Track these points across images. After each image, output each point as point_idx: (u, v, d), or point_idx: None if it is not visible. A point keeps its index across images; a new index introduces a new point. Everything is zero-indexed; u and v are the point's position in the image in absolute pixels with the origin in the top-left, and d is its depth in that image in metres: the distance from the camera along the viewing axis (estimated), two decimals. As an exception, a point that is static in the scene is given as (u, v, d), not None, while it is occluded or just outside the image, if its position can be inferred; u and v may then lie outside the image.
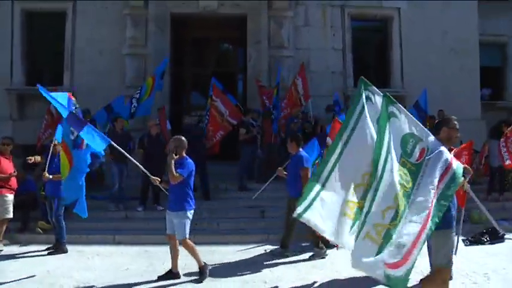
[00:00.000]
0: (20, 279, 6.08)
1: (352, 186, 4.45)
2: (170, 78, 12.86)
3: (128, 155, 6.42)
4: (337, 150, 4.56)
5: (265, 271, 6.46)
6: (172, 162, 5.86)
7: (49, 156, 7.29)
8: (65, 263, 6.86)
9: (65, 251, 7.49)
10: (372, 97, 4.89)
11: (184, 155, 6.08)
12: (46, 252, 7.44)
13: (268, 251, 7.57)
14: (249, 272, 6.43)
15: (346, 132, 4.61)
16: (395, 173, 4.30)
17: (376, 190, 4.27)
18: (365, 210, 4.28)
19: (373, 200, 4.27)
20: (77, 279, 6.09)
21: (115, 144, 6.35)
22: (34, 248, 7.72)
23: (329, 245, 7.69)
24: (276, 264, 6.81)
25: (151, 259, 7.07)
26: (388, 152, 4.38)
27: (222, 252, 7.52)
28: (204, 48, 14.94)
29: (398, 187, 4.24)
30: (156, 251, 7.51)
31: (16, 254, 7.42)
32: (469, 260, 6.93)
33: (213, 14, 12.71)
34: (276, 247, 7.58)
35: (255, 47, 12.70)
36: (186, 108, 14.29)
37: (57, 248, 7.48)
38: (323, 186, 4.48)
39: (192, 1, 12.51)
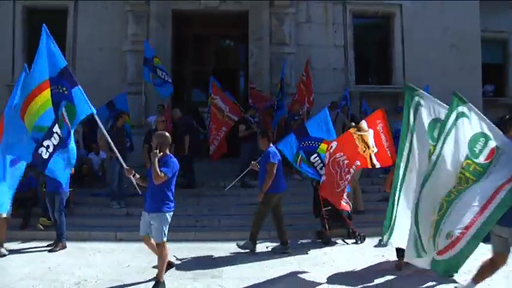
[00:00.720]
0: (21, 276, 6.07)
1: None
2: (171, 75, 12.82)
3: (113, 146, 5.90)
4: (403, 164, 5.13)
5: (266, 268, 6.44)
6: (156, 160, 5.40)
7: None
8: (66, 260, 6.85)
9: (64, 247, 7.49)
10: (422, 101, 5.25)
11: (168, 152, 5.69)
12: (47, 249, 7.43)
13: (269, 247, 7.54)
14: (250, 269, 6.41)
15: (408, 141, 5.20)
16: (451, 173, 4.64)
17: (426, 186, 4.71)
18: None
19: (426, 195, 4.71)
20: (78, 275, 6.08)
21: (97, 118, 5.81)
22: (35, 244, 7.71)
23: (329, 243, 7.71)
24: (277, 261, 6.77)
25: (152, 256, 7.01)
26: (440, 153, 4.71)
27: (223, 249, 7.49)
28: (206, 45, 14.91)
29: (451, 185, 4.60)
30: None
31: (17, 251, 7.41)
32: (471, 258, 6.86)
33: (214, 10, 12.70)
34: (277, 244, 7.57)
35: (256, 44, 12.67)
36: (186, 105, 14.27)
37: (57, 244, 7.47)
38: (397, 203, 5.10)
39: (194, -1, 12.49)
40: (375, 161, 7.08)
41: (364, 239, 7.86)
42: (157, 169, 5.34)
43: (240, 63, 14.81)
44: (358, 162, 7.03)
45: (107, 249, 7.46)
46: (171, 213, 5.63)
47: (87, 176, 10.25)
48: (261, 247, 7.56)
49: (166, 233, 5.57)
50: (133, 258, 6.98)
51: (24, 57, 12.54)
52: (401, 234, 5.17)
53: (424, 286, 5.71)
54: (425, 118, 5.15)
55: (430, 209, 4.69)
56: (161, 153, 5.50)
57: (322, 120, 7.77)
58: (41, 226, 8.27)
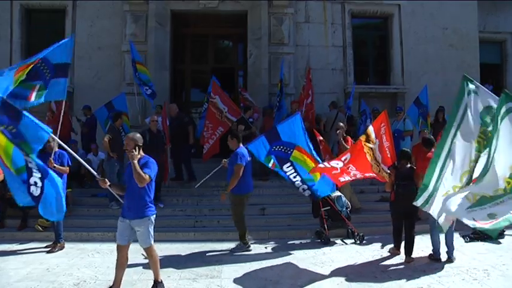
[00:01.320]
0: (20, 277, 6.05)
1: (460, 173, 5.50)
2: (170, 75, 12.84)
3: (78, 158, 5.78)
4: (446, 146, 5.51)
5: (266, 268, 6.44)
6: (136, 162, 5.15)
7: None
8: (65, 261, 6.83)
9: (63, 247, 7.48)
10: (477, 90, 5.57)
11: (143, 153, 5.39)
12: (46, 250, 7.41)
13: (268, 248, 7.55)
14: (249, 269, 6.41)
15: (454, 127, 5.54)
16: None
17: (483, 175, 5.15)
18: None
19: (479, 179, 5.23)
20: (77, 276, 6.07)
21: (54, 136, 5.77)
22: (34, 245, 7.69)
23: (328, 243, 7.71)
24: (277, 261, 6.77)
25: (152, 256, 7.04)
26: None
27: (223, 249, 7.50)
28: (205, 45, 14.89)
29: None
30: (156, 249, 7.49)
31: (16, 252, 7.39)
32: (469, 256, 6.92)
33: (213, 10, 12.70)
34: (277, 244, 7.59)
35: (255, 44, 12.66)
36: (185, 105, 14.25)
37: (55, 245, 7.46)
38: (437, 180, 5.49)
39: (193, -1, 12.49)
40: (385, 168, 7.04)
41: (363, 239, 7.87)
42: (141, 171, 5.11)
43: (239, 63, 14.80)
44: (368, 174, 7.01)
45: (106, 250, 7.44)
46: (155, 216, 5.43)
47: (85, 176, 10.23)
48: (260, 247, 7.57)
49: (152, 235, 5.41)
50: (132, 258, 6.92)
51: (21, 56, 12.54)
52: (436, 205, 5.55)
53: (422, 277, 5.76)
54: (480, 104, 5.57)
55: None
56: (139, 155, 5.26)
57: (294, 125, 7.53)
58: (39, 227, 8.24)
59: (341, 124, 9.27)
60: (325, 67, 12.98)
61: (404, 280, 5.83)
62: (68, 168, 7.32)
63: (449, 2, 13.43)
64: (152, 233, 5.39)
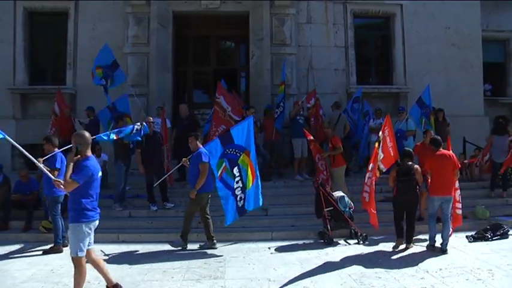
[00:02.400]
0: (24, 279, 6.08)
1: None
2: (173, 76, 12.86)
3: (36, 162, 5.60)
4: None
5: (269, 269, 6.44)
6: (71, 164, 4.88)
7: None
8: (68, 262, 6.78)
9: (60, 251, 7.41)
10: None
11: (89, 154, 5.03)
12: (47, 250, 7.44)
13: (271, 249, 7.55)
14: (252, 270, 6.42)
15: None
16: None
17: None
18: None
19: None
20: (81, 277, 6.08)
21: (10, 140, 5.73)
22: (38, 247, 7.70)
23: (331, 243, 7.71)
24: (280, 262, 6.78)
25: (155, 257, 7.07)
26: None
27: (226, 250, 7.52)
28: (207, 46, 14.92)
29: None
30: (159, 249, 7.53)
31: (20, 253, 7.42)
32: (473, 256, 6.91)
33: (215, 11, 12.72)
34: (280, 245, 7.61)
35: (257, 45, 12.68)
36: (188, 106, 14.26)
37: (52, 248, 7.44)
38: None
39: (195, 0, 12.51)
40: (381, 166, 7.53)
41: (366, 239, 7.87)
42: (68, 175, 4.84)
43: (241, 64, 14.82)
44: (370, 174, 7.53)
45: (109, 251, 7.46)
46: (90, 224, 4.99)
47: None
48: (263, 248, 7.57)
49: (83, 248, 4.93)
50: (135, 259, 6.99)
51: (25, 60, 12.61)
52: None
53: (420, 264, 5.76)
54: None
55: None
56: (79, 156, 4.95)
57: (246, 129, 7.69)
58: (43, 229, 8.27)
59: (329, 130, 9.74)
60: (327, 67, 12.98)
61: (408, 280, 5.83)
62: (56, 171, 7.03)
63: (452, 2, 13.42)
64: (82, 242, 4.93)
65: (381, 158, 7.54)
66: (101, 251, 7.28)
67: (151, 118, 9.67)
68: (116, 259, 7.04)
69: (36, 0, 12.62)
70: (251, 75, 12.91)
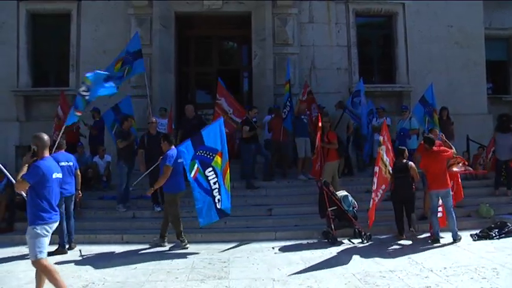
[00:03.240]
0: (29, 280, 6.09)
1: None
2: (175, 77, 12.87)
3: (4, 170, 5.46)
4: None
5: (273, 268, 6.44)
6: (26, 165, 4.92)
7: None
8: (73, 263, 6.88)
9: (64, 253, 7.46)
10: None
11: (46, 155, 5.01)
12: (52, 252, 7.47)
13: (275, 248, 7.55)
14: (256, 270, 6.42)
15: None
16: None
17: None
18: None
19: None
20: (85, 278, 6.11)
21: None
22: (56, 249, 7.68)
23: (335, 243, 7.70)
24: (284, 262, 6.78)
25: (159, 258, 7.09)
26: None
27: (230, 250, 7.53)
28: (209, 47, 14.93)
29: None
30: (163, 250, 7.55)
31: (25, 255, 7.44)
32: (477, 255, 6.90)
33: (217, 12, 12.73)
34: (284, 245, 7.63)
35: (259, 45, 12.68)
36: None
37: (57, 250, 7.46)
38: None
39: (197, 0, 12.53)
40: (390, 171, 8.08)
41: (370, 238, 7.87)
42: (19, 175, 4.85)
43: (244, 64, 14.82)
44: (383, 186, 7.95)
45: (114, 252, 7.49)
46: (47, 226, 4.91)
47: (92, 179, 10.28)
48: (267, 248, 7.57)
49: (43, 250, 4.86)
50: (140, 260, 7.01)
51: (29, 62, 12.66)
52: None
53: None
54: None
55: None
56: (35, 157, 4.93)
57: (218, 130, 7.76)
58: None
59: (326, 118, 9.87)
60: (329, 67, 12.98)
61: (412, 279, 5.82)
62: None
63: (455, 1, 13.38)
64: (40, 245, 4.84)
65: (388, 161, 8.00)
66: (79, 250, 7.48)
67: (154, 119, 9.69)
68: (120, 260, 7.05)
69: (38, 2, 12.66)
70: (254, 76, 12.92)
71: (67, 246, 7.61)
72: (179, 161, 7.65)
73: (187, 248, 7.59)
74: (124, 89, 12.03)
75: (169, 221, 7.78)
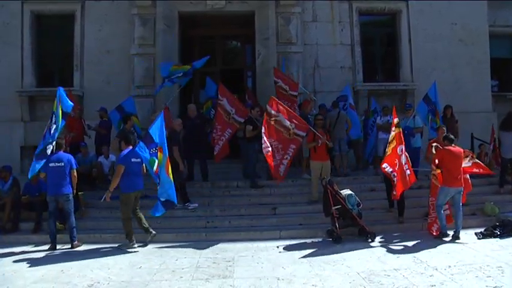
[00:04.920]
0: (35, 279, 6.14)
1: None
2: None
3: None
4: None
5: (278, 267, 6.45)
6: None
7: None
8: (78, 262, 6.91)
9: (77, 245, 7.79)
10: None
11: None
12: (59, 252, 7.53)
13: (279, 247, 7.56)
14: (261, 269, 6.43)
15: None
16: None
17: None
18: None
19: None
20: (90, 278, 6.13)
21: None
22: (48, 247, 7.77)
23: (339, 242, 7.70)
24: (289, 261, 6.79)
25: (164, 257, 7.10)
26: None
27: (235, 249, 7.52)
28: (212, 46, 14.94)
29: None
30: (168, 250, 7.56)
31: (30, 254, 7.49)
32: (482, 253, 6.88)
33: (220, 12, 12.75)
34: (289, 244, 7.65)
35: (263, 44, 12.69)
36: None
37: (72, 246, 7.76)
38: None
39: (200, 0, 12.54)
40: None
41: (375, 237, 7.85)
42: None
43: (247, 63, 14.83)
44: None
45: (119, 251, 7.52)
46: None
47: (97, 179, 10.32)
48: (272, 247, 7.58)
49: None
50: (145, 259, 7.03)
51: (33, 62, 12.72)
52: None
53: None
54: None
55: None
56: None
57: (159, 124, 7.84)
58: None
59: (320, 116, 9.89)
60: (333, 65, 12.98)
61: (417, 278, 5.82)
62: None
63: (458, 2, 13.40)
64: None
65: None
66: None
67: (179, 120, 9.79)
68: (125, 259, 7.08)
69: (43, 2, 12.72)
70: (257, 75, 12.93)
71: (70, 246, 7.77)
72: (133, 160, 7.71)
73: (135, 248, 7.60)
74: (128, 88, 12.13)
75: (136, 217, 7.84)
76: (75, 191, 8.06)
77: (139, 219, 7.86)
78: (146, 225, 7.84)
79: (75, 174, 7.98)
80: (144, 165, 7.78)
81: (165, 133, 7.82)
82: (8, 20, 12.63)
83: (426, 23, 13.35)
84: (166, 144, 7.75)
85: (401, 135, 8.17)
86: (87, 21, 12.71)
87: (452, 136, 8.30)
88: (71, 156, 8.12)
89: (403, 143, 8.13)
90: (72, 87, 12.23)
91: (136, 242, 7.71)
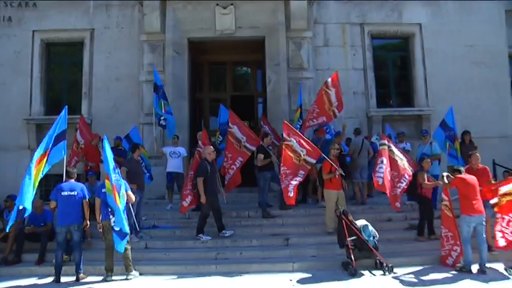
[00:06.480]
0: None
1: None
2: (189, 104, 12.95)
3: None
4: None
5: (291, 303, 6.31)
6: None
7: None
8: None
9: (83, 278, 7.71)
10: None
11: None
12: (65, 285, 7.43)
13: (292, 281, 7.40)
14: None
15: None
16: None
17: None
18: None
19: None
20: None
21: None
22: (51, 280, 7.67)
23: (355, 275, 7.53)
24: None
25: (172, 291, 7.00)
26: None
27: (246, 282, 7.39)
28: (223, 72, 15.06)
29: None
30: (176, 283, 7.43)
31: (34, 287, 7.41)
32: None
33: (230, 37, 12.88)
34: (302, 277, 7.49)
35: (274, 70, 12.73)
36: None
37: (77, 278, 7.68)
38: None
39: (210, 26, 12.71)
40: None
41: (392, 270, 7.65)
42: None
43: (258, 90, 14.88)
44: (407, 176, 8.88)
45: (126, 284, 7.42)
46: None
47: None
48: (284, 280, 7.42)
49: None
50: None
51: (42, 90, 12.94)
52: None
53: None
54: None
55: None
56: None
57: (104, 153, 7.89)
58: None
59: (336, 145, 9.77)
60: (346, 91, 12.82)
61: None
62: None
63: (474, 19, 13.31)
64: None
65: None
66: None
67: (211, 148, 9.69)
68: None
69: (53, 31, 12.99)
70: (268, 101, 12.93)
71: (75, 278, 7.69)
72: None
73: (110, 281, 7.55)
74: (137, 116, 12.21)
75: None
76: (86, 222, 8.00)
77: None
78: (130, 264, 7.76)
79: (88, 204, 7.96)
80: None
81: (108, 161, 7.69)
82: (19, 48, 12.91)
83: (441, 45, 13.24)
84: (110, 172, 7.60)
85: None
86: (96, 49, 12.94)
87: (461, 168, 8.17)
88: (84, 186, 8.14)
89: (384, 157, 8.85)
90: (79, 115, 12.26)
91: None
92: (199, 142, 10.17)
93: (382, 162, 8.78)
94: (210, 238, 9.06)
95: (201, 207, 9.19)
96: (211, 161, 9.40)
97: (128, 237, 7.61)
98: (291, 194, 8.75)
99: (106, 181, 7.58)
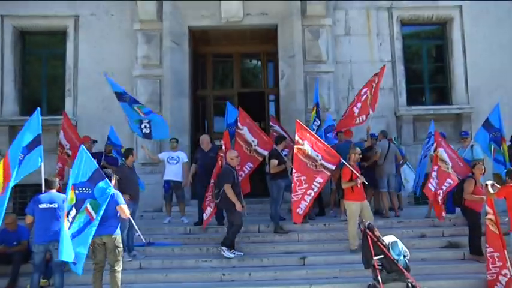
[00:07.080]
0: None
1: None
2: (190, 102, 13.05)
3: None
4: None
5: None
6: None
7: None
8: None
9: None
10: None
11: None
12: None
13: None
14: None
15: None
16: None
17: None
18: None
19: None
20: None
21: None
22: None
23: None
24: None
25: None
26: None
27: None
28: (229, 66, 15.15)
29: None
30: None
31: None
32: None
33: (237, 26, 12.98)
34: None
35: (287, 62, 12.82)
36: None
37: None
38: None
39: (213, 12, 12.76)
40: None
41: (426, 295, 7.71)
42: None
43: (269, 85, 14.95)
44: (450, 181, 9.35)
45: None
46: None
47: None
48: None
49: None
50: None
51: (15, 88, 12.94)
52: None
53: None
54: None
55: None
56: None
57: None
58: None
59: (358, 150, 9.73)
60: (371, 87, 12.95)
61: None
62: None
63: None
64: None
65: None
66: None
67: (235, 152, 9.74)
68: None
69: (28, 17, 12.93)
70: (281, 98, 13.01)
71: None
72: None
73: None
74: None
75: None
76: None
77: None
78: None
79: None
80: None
81: (75, 171, 7.40)
82: (-16, 36, 12.87)
83: (485, 32, 13.23)
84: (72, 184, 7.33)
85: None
86: (82, 39, 12.97)
87: None
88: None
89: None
90: (61, 116, 11.99)
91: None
92: (222, 146, 10.15)
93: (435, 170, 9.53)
94: (242, 254, 9.12)
95: (232, 218, 9.13)
96: (235, 167, 9.46)
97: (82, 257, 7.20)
98: (300, 212, 8.90)
99: (70, 191, 7.13)
